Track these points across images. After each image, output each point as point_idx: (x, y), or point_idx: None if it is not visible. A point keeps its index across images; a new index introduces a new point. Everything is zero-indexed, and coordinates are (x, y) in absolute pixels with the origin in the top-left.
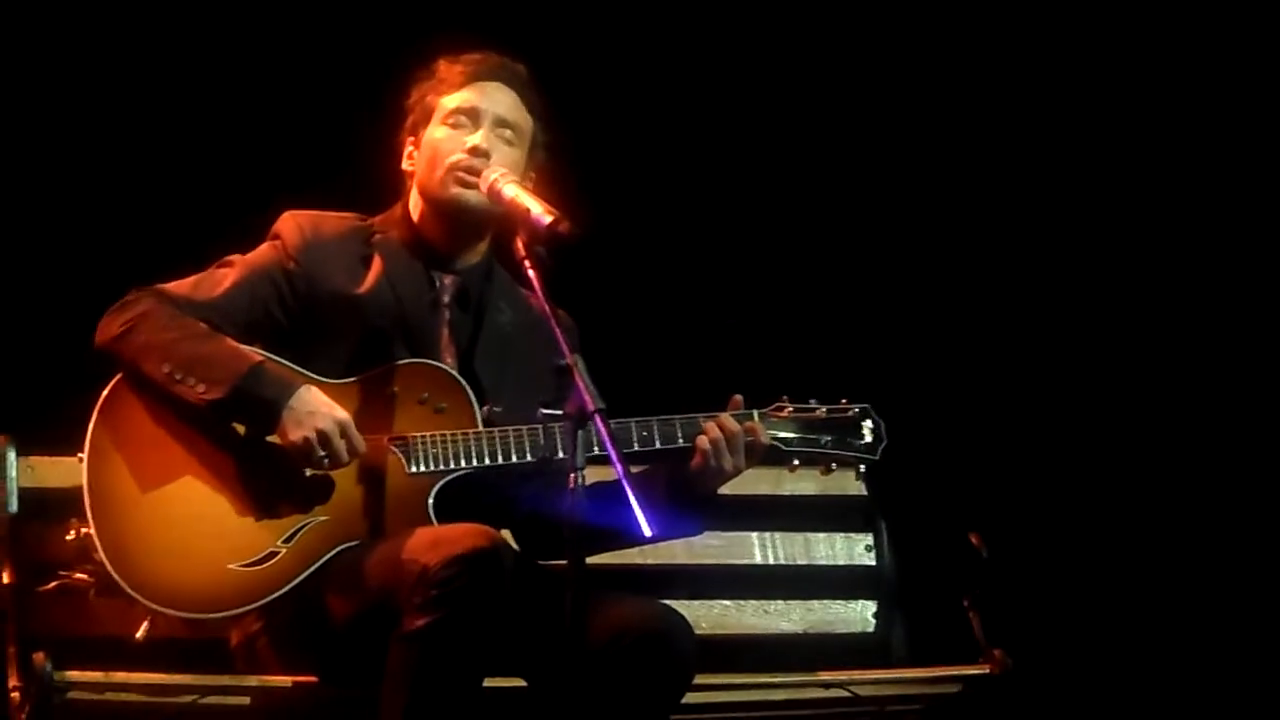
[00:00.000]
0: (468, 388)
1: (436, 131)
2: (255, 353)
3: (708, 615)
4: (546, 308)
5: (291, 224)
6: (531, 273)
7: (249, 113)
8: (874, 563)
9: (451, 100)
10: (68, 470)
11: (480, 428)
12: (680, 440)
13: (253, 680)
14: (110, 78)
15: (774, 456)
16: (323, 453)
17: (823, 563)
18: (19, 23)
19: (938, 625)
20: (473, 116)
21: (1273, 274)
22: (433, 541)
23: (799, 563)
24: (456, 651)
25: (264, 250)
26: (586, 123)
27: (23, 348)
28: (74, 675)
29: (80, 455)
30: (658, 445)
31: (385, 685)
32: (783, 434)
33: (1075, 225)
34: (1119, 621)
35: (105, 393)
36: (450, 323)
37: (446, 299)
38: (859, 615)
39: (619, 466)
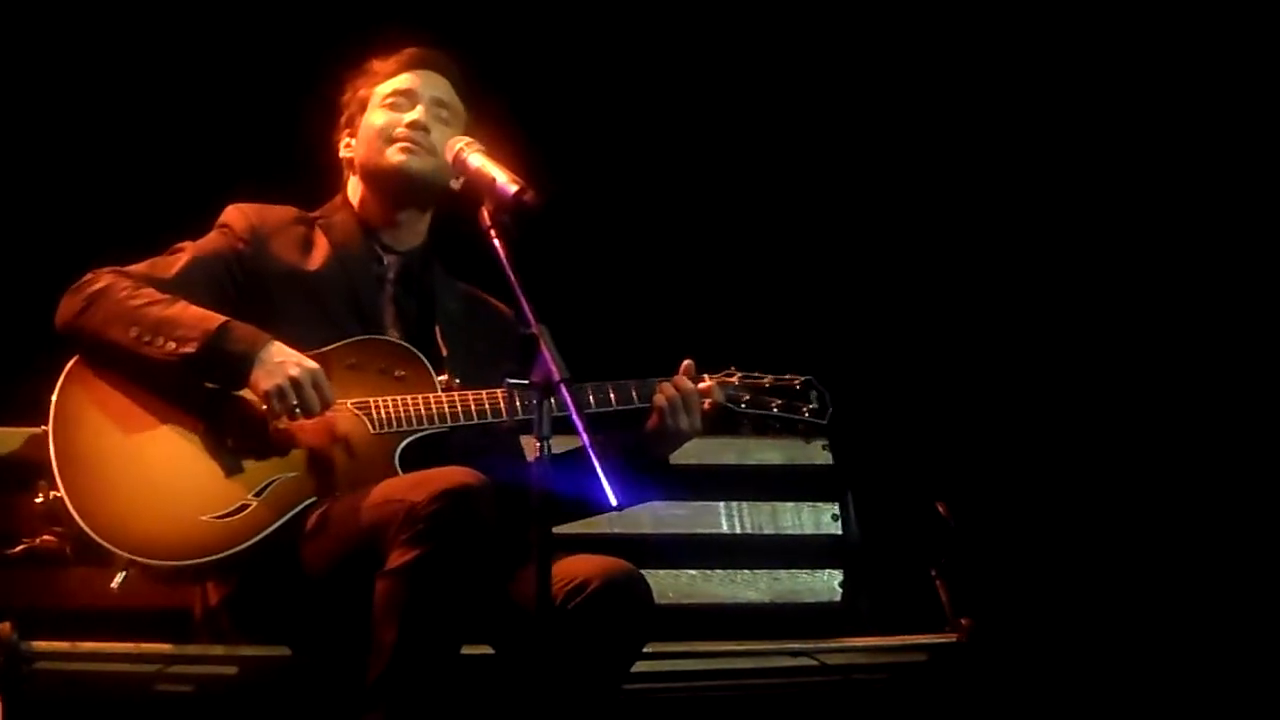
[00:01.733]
0: (423, 357)
1: (374, 115)
2: (220, 315)
3: (675, 584)
4: (511, 276)
5: (236, 212)
6: (496, 241)
7: (196, 107)
8: (840, 532)
9: (387, 86)
10: (29, 439)
11: (440, 392)
12: (636, 401)
13: (220, 650)
14: (65, 79)
15: (727, 421)
16: (295, 400)
17: (789, 532)
18: None
19: (905, 594)
20: (409, 97)
21: (1217, 249)
22: (416, 481)
23: (765, 532)
24: (447, 583)
25: (213, 236)
26: (534, 94)
27: None
28: (41, 645)
29: (44, 427)
30: (614, 406)
31: (375, 623)
32: (740, 398)
33: (1036, 197)
34: (1086, 590)
35: (71, 362)
36: (395, 300)
37: (391, 276)
38: (825, 584)
39: (585, 436)
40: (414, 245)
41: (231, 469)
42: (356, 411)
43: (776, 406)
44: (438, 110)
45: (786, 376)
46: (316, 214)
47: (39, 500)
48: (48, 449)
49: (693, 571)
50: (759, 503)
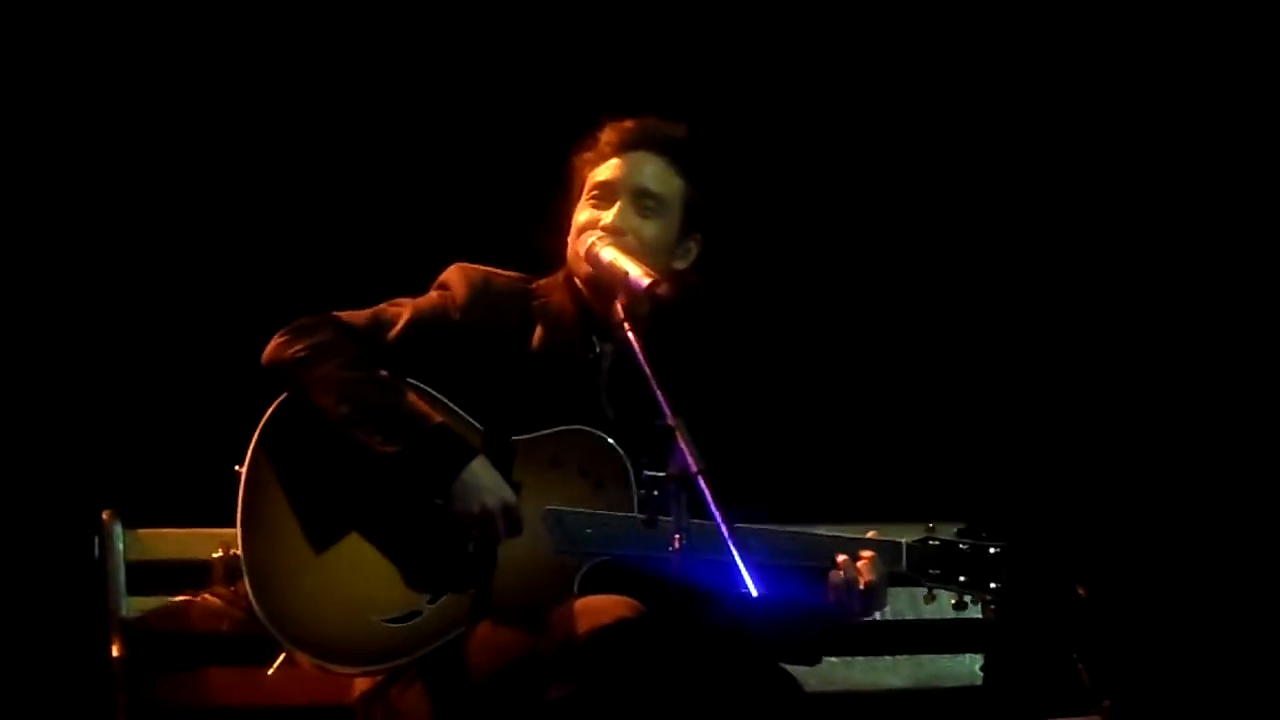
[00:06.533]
0: (627, 461)
1: (581, 211)
2: (436, 412)
3: (816, 672)
4: (646, 369)
5: (459, 276)
6: (630, 335)
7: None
8: (981, 616)
9: (598, 174)
10: (175, 542)
11: (635, 511)
12: (806, 561)
13: None
14: (271, 136)
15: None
16: (481, 531)
17: (930, 617)
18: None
19: (1045, 677)
20: (610, 191)
21: None
22: (578, 611)
23: (906, 617)
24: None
25: (433, 298)
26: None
27: (125, 421)
28: None
29: (239, 468)
30: (781, 561)
31: None
32: (928, 568)
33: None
34: (1228, 672)
35: (270, 412)
36: (607, 389)
37: (605, 365)
38: (967, 669)
39: (723, 526)
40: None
41: (412, 569)
42: (549, 523)
43: (963, 582)
44: (641, 202)
45: (985, 539)
46: (538, 286)
47: (217, 555)
48: (237, 496)
49: (834, 659)
50: (898, 588)
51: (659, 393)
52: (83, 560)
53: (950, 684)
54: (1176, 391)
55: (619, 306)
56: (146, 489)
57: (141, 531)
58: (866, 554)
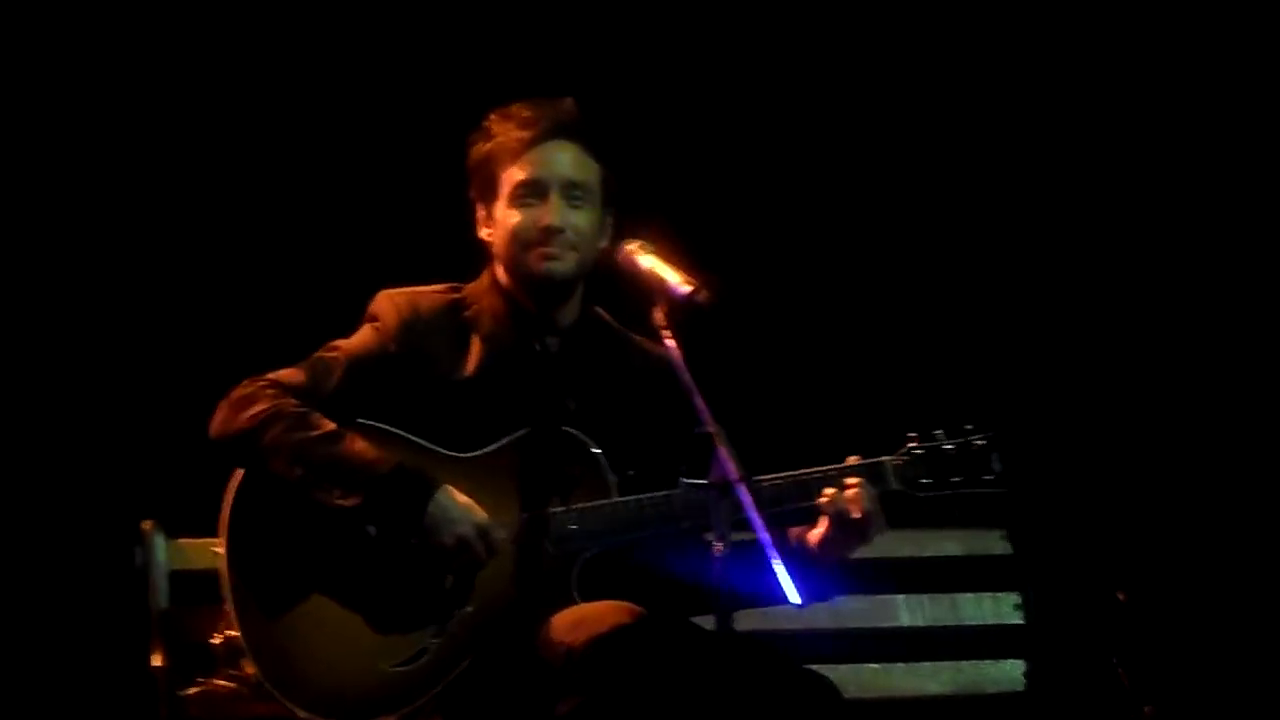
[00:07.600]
0: (600, 455)
1: (510, 215)
2: (391, 454)
3: (856, 678)
4: (686, 376)
5: (388, 304)
6: (670, 343)
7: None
8: (1023, 622)
9: (515, 173)
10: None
11: (615, 496)
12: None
13: None
14: (211, 169)
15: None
16: (463, 560)
17: (971, 623)
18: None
19: (1088, 682)
20: (538, 190)
21: None
22: (575, 621)
23: (946, 623)
24: None
25: (366, 334)
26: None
27: (165, 431)
28: None
29: (216, 549)
30: (783, 506)
31: None
32: (918, 479)
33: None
34: (1272, 676)
35: (237, 483)
36: (559, 384)
37: (551, 360)
38: (1009, 675)
39: (764, 536)
40: (572, 320)
41: (407, 610)
42: (533, 528)
43: (956, 483)
44: (571, 194)
45: (969, 433)
46: (467, 294)
47: (216, 640)
48: (222, 578)
49: (875, 665)
50: (939, 594)
51: (699, 400)
52: (124, 570)
53: (991, 690)
54: (1226, 397)
55: (659, 314)
56: (187, 499)
57: (183, 541)
58: (852, 482)
